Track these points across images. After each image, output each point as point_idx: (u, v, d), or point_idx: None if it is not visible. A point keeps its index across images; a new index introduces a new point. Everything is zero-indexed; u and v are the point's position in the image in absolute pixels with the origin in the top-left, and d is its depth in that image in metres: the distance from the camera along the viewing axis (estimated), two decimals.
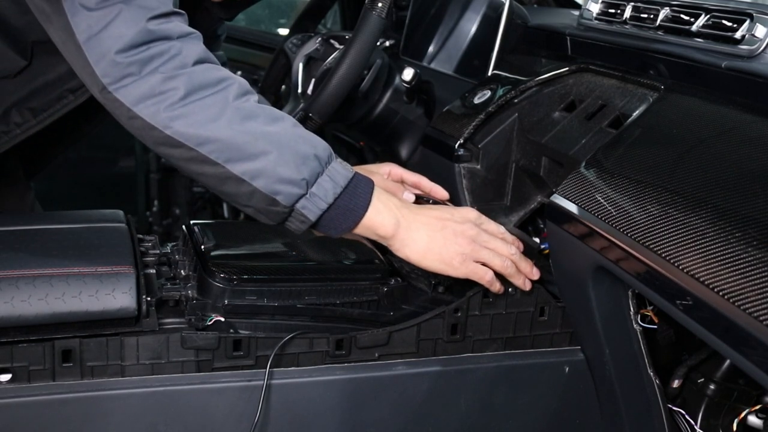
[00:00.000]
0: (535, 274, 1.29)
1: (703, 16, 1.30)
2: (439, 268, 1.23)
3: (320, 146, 1.15)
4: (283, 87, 2.23)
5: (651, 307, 1.19)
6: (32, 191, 1.65)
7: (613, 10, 1.49)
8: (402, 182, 1.44)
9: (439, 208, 1.28)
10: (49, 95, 1.33)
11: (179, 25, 1.11)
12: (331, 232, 1.18)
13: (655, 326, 1.20)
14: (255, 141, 1.10)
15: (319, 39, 1.82)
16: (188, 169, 1.12)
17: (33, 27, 1.20)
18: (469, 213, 1.27)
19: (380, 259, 1.30)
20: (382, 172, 1.44)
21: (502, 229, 1.30)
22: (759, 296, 0.84)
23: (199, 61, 1.10)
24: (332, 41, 1.79)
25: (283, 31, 3.14)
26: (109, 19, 1.06)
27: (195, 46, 1.11)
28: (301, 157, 1.12)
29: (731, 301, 0.86)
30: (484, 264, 1.24)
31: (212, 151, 1.09)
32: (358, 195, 1.18)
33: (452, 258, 1.22)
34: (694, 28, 1.30)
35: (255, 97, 1.15)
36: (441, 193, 1.44)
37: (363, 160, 2.13)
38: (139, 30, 1.06)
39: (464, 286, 1.28)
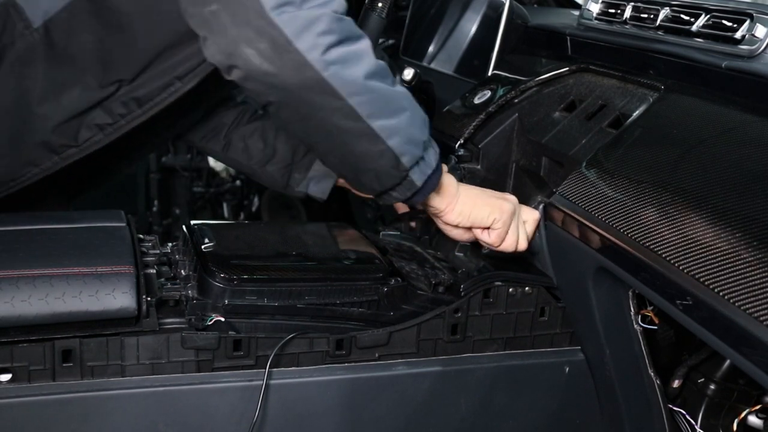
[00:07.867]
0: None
1: (703, 16, 1.30)
2: (463, 215, 1.27)
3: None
4: None
5: (651, 308, 1.19)
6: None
7: (613, 10, 1.49)
8: None
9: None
10: (157, 83, 1.29)
11: None
12: (415, 200, 1.20)
13: (656, 327, 1.20)
14: (396, 98, 1.11)
15: None
16: (323, 122, 1.09)
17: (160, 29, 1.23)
18: (512, 198, 1.31)
19: (380, 259, 1.30)
20: None
21: (524, 239, 1.30)
22: (759, 296, 0.84)
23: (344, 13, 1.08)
24: None
25: None
26: None
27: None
28: (423, 119, 1.15)
29: (731, 301, 0.86)
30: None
31: (360, 103, 1.07)
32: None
33: (481, 210, 1.26)
34: (694, 28, 1.30)
35: None
36: None
37: None
38: None
39: (465, 286, 1.28)
